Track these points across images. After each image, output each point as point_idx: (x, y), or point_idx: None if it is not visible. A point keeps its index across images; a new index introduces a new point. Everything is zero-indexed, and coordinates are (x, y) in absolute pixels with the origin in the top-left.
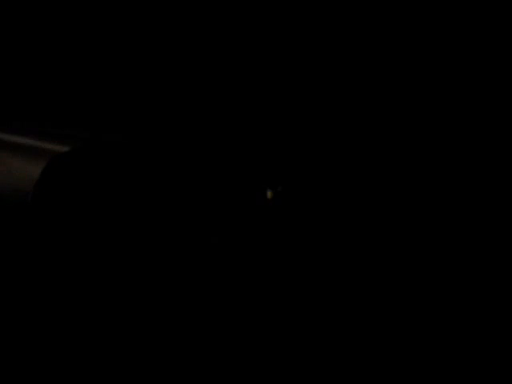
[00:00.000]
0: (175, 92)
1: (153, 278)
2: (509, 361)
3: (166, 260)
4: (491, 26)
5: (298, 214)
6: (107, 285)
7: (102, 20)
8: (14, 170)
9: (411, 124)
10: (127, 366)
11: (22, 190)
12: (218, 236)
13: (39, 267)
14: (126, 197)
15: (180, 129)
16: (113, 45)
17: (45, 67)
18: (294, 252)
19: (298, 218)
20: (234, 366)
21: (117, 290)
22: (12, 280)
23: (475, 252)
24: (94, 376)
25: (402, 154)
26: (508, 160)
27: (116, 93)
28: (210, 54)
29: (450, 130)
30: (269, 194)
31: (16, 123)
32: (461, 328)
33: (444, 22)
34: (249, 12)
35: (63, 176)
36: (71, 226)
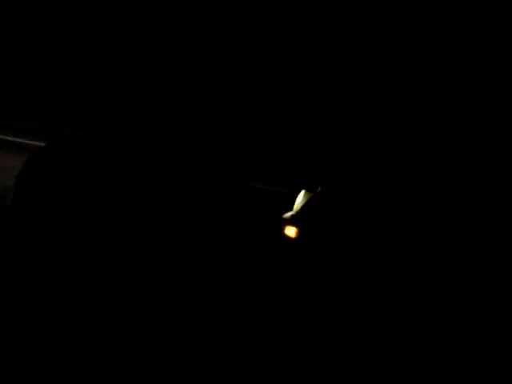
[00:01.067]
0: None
1: (139, 271)
2: (509, 361)
3: (152, 253)
4: (491, 26)
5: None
6: (90, 273)
7: (82, 26)
8: None
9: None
10: (124, 364)
11: (1, 182)
12: (207, 231)
13: (23, 254)
14: (108, 187)
15: (167, 125)
16: (93, 47)
17: (24, 67)
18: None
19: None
20: (232, 363)
21: (100, 281)
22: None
23: (475, 252)
24: (92, 375)
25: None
26: (508, 160)
27: (97, 90)
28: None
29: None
30: (307, 194)
31: None
32: (460, 327)
33: (444, 22)
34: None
35: (45, 166)
36: (54, 213)
